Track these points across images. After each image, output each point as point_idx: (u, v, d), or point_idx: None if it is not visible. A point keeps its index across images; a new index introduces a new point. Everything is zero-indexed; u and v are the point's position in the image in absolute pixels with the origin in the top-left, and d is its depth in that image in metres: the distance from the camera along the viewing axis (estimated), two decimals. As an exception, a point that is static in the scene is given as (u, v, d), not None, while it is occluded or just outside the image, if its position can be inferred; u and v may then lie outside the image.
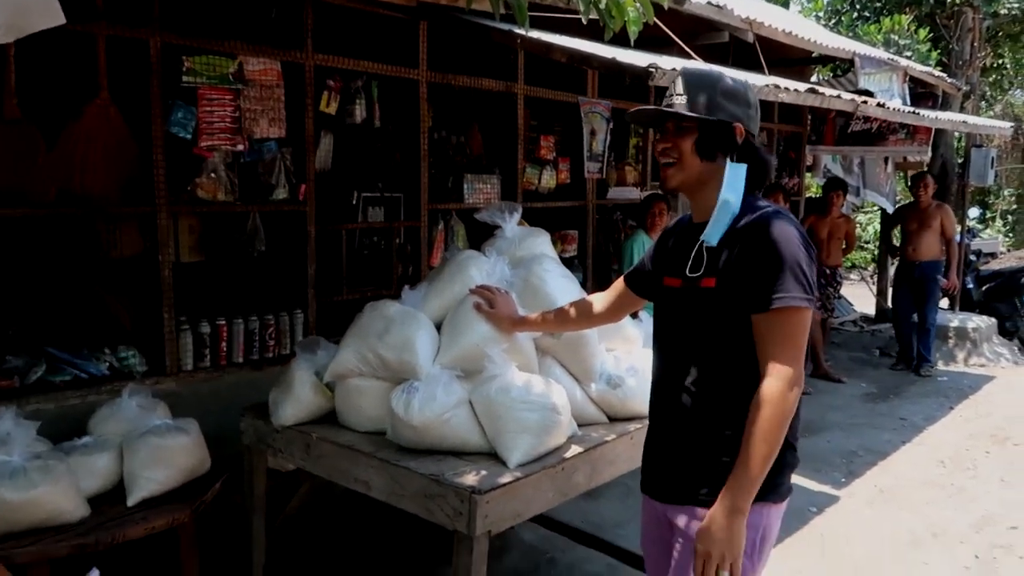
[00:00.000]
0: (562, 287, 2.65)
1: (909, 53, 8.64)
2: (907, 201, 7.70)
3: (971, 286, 8.58)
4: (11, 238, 3.33)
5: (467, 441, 2.31)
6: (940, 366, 7.38)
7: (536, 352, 2.54)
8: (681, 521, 1.86)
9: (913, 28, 9.12)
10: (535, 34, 3.45)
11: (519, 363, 2.41)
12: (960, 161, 9.41)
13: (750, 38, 4.93)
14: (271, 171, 3.89)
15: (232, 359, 3.72)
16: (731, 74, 1.92)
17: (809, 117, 8.00)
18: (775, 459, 1.78)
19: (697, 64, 1.99)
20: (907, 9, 9.92)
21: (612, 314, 2.30)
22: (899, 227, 7.36)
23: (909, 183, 7.68)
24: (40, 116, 3.16)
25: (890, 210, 8.78)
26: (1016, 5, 9.76)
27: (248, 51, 3.64)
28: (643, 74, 3.05)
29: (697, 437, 1.84)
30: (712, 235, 1.80)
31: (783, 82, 4.03)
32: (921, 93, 8.11)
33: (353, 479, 2.35)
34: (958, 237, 8.40)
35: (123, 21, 3.24)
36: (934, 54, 9.32)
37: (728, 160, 1.82)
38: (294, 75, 3.85)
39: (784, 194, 6.51)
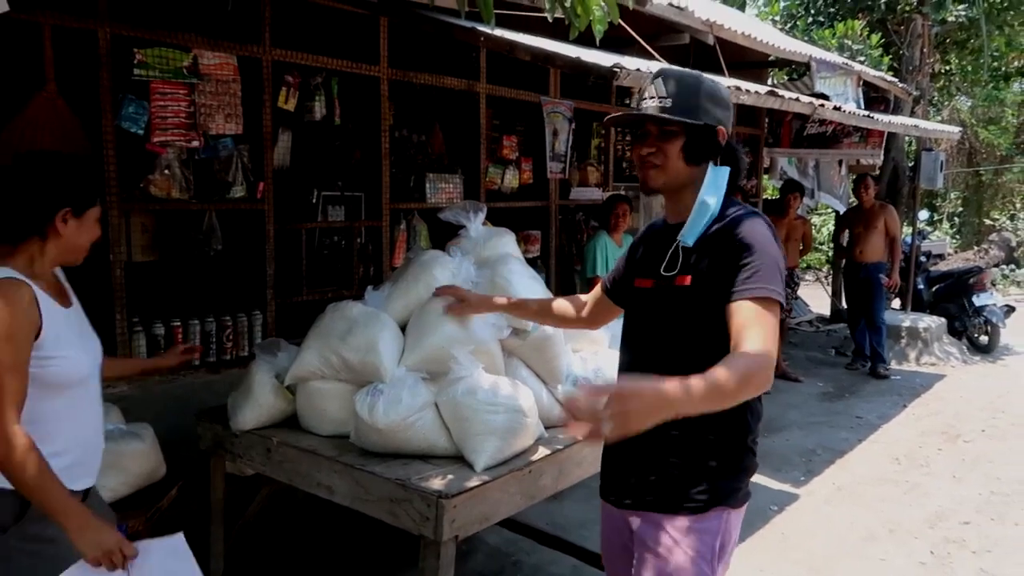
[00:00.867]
0: (528, 288, 2.63)
1: (862, 58, 8.83)
2: (855, 203, 7.86)
3: (922, 287, 8.80)
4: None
5: (433, 444, 2.27)
6: (893, 365, 7.54)
7: (503, 353, 2.51)
8: (639, 527, 1.84)
9: (866, 33, 9.32)
10: (499, 32, 3.41)
11: (485, 364, 2.37)
12: (911, 164, 9.65)
13: (711, 40, 4.98)
14: (228, 168, 3.78)
15: (188, 361, 3.61)
16: (709, 76, 1.91)
17: (766, 120, 8.12)
18: (735, 464, 1.79)
19: (670, 66, 1.97)
20: (860, 15, 10.14)
21: (590, 321, 2.26)
22: (847, 229, 7.51)
23: (853, 185, 7.85)
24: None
25: (843, 212, 8.98)
26: (963, 13, 10.05)
27: (203, 44, 3.53)
28: (608, 74, 3.04)
29: (657, 442, 1.77)
30: (689, 235, 1.79)
31: (745, 84, 4.07)
32: (874, 97, 8.29)
33: (316, 484, 2.29)
34: (909, 239, 8.63)
35: (70, 11, 3.12)
36: (886, 59, 9.53)
37: (711, 163, 1.81)
38: (251, 70, 3.76)
39: (743, 196, 6.59)
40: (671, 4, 4.74)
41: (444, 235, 4.68)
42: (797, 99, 4.53)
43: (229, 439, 2.53)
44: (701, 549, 1.78)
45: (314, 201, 4.33)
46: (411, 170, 4.88)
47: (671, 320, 1.81)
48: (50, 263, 1.88)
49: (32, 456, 1.71)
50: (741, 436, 1.80)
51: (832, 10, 10.60)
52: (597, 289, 2.22)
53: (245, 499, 3.01)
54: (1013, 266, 14.43)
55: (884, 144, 7.89)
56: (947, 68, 12.87)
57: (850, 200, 9.37)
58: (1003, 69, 13.00)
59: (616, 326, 2.93)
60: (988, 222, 16.98)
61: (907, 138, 10.09)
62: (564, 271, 5.94)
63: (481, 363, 2.35)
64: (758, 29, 6.40)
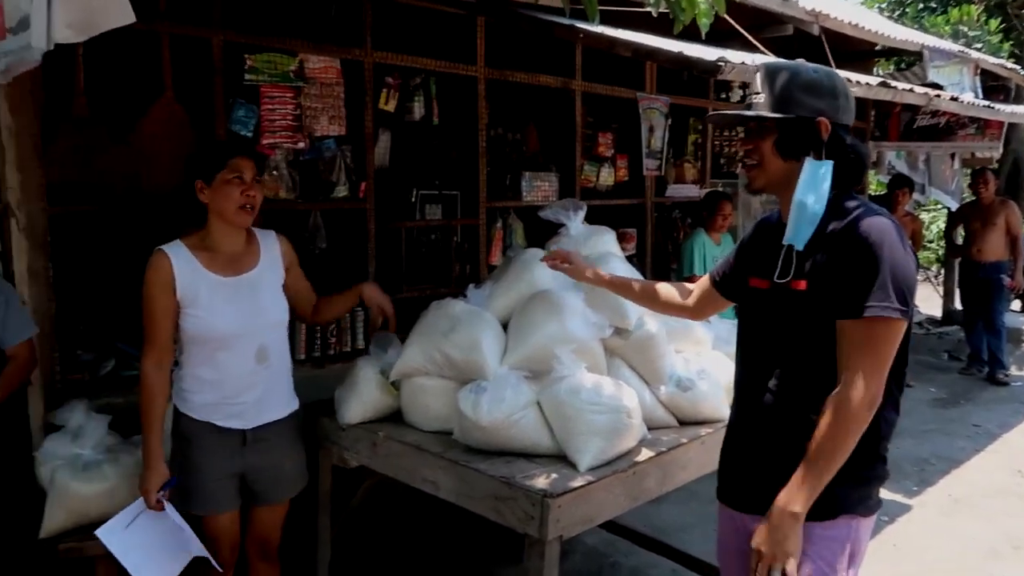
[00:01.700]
0: (630, 286, 2.58)
1: (979, 45, 8.31)
2: (969, 199, 7.40)
3: (1045, 287, 8.20)
4: (80, 234, 3.39)
5: (536, 443, 2.26)
6: (1013, 370, 7.07)
7: (605, 353, 2.47)
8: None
9: (983, 19, 8.76)
10: (598, 29, 3.37)
11: (588, 364, 2.34)
12: (1033, 157, 9.02)
13: (816, 31, 4.77)
14: (331, 169, 3.89)
15: (294, 356, 3.72)
16: (813, 66, 1.82)
17: (873, 112, 7.74)
18: (865, 472, 1.71)
19: (775, 59, 1.91)
20: (976, -1, 9.56)
21: (694, 311, 2.21)
22: (962, 226, 7.07)
23: (970, 180, 7.38)
24: (107, 114, 3.21)
25: (955, 208, 8.47)
26: (1093, -7, 9.33)
27: (309, 49, 3.64)
28: (712, 68, 2.96)
29: (780, 445, 1.75)
30: (795, 237, 1.72)
31: (855, 76, 3.88)
32: (992, 86, 7.78)
33: (420, 479, 2.32)
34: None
35: (186, 20, 3.27)
36: (1006, 45, 8.94)
37: (807, 158, 1.72)
38: (354, 73, 3.85)
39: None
40: (775, -6, 4.58)
41: (539, 233, 4.69)
42: (911, 90, 4.29)
43: (336, 432, 2.60)
44: (828, 557, 1.71)
45: (413, 200, 4.40)
46: (507, 168, 4.90)
47: (787, 325, 1.75)
48: (218, 234, 2.28)
49: (146, 392, 2.21)
50: (872, 443, 1.71)
51: (945, -6, 10.05)
52: (704, 281, 2.16)
53: (349, 489, 3.09)
54: None
55: (1004, 136, 7.39)
56: (1074, 53, 11.95)
57: (963, 195, 8.86)
58: None
59: (720, 326, 2.88)
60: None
61: (1029, 129, 9.42)
62: (660, 270, 5.83)
63: (583, 362, 2.32)
64: (865, 18, 6.10)
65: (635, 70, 5.41)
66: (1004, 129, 7.25)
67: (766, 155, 1.77)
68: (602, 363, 2.46)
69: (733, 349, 1.97)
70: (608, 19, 3.83)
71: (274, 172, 3.64)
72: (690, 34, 3.13)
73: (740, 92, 5.92)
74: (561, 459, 2.24)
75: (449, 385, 2.43)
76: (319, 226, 3.89)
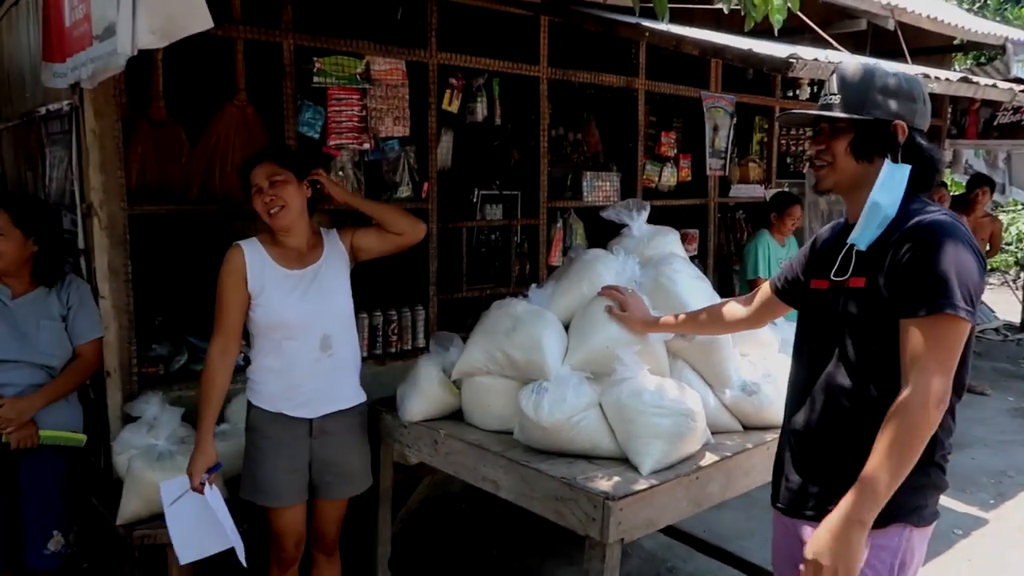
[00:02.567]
0: (694, 288, 2.56)
1: (1067, 37, 7.88)
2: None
3: None
4: (158, 233, 3.52)
5: (597, 445, 2.25)
6: (1099, 380, 6.71)
7: (668, 355, 2.44)
8: (808, 535, 1.73)
9: (1071, 10, 8.33)
10: (664, 27, 3.33)
11: (650, 366, 2.32)
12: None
13: (891, 25, 4.61)
14: (395, 169, 3.94)
15: (356, 353, 3.79)
16: (892, 67, 1.78)
17: (949, 109, 7.45)
18: (919, 479, 1.65)
19: (851, 56, 1.86)
20: (1064, -11, 9.09)
21: (754, 321, 2.20)
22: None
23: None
24: (183, 118, 3.32)
25: (1040, 209, 8.09)
26: None
27: (375, 51, 3.69)
28: (782, 66, 2.89)
29: (838, 448, 1.71)
30: (860, 238, 1.69)
31: (932, 71, 3.74)
32: (1082, 81, 7.39)
33: (481, 477, 2.33)
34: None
35: (259, 23, 3.36)
36: (1095, 38, 8.47)
37: (886, 161, 1.69)
38: (418, 74, 3.89)
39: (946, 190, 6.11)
40: (847, -12, 4.44)
41: (600, 233, 4.66)
42: (994, 85, 4.11)
43: (398, 429, 2.63)
44: (876, 565, 1.66)
45: (474, 200, 4.43)
46: (567, 168, 4.88)
47: (846, 325, 1.71)
48: (279, 234, 2.46)
49: (207, 375, 2.38)
50: (930, 450, 1.66)
51: (1030, -15, 9.58)
52: (765, 289, 2.13)
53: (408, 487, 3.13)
54: None
55: (1092, 133, 7.02)
56: None
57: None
58: None
59: (786, 329, 2.81)
60: None
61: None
62: (722, 271, 5.73)
63: (646, 364, 2.30)
64: (943, 10, 5.87)
65: (699, 68, 5.32)
66: (1093, 126, 6.89)
67: (839, 155, 1.74)
68: (665, 365, 2.43)
69: (799, 352, 1.92)
70: (674, 16, 3.79)
71: (340, 173, 3.71)
72: (757, 30, 3.08)
73: (809, 90, 5.77)
74: (623, 462, 2.23)
75: (510, 385, 2.44)
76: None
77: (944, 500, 4.26)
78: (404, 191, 3.94)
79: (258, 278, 2.38)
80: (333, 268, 2.50)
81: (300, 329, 2.40)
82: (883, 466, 1.56)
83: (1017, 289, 9.85)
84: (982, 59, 8.13)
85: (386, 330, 3.88)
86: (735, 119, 5.38)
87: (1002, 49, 6.10)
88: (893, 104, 1.70)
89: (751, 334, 2.65)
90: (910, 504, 1.67)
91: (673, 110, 5.53)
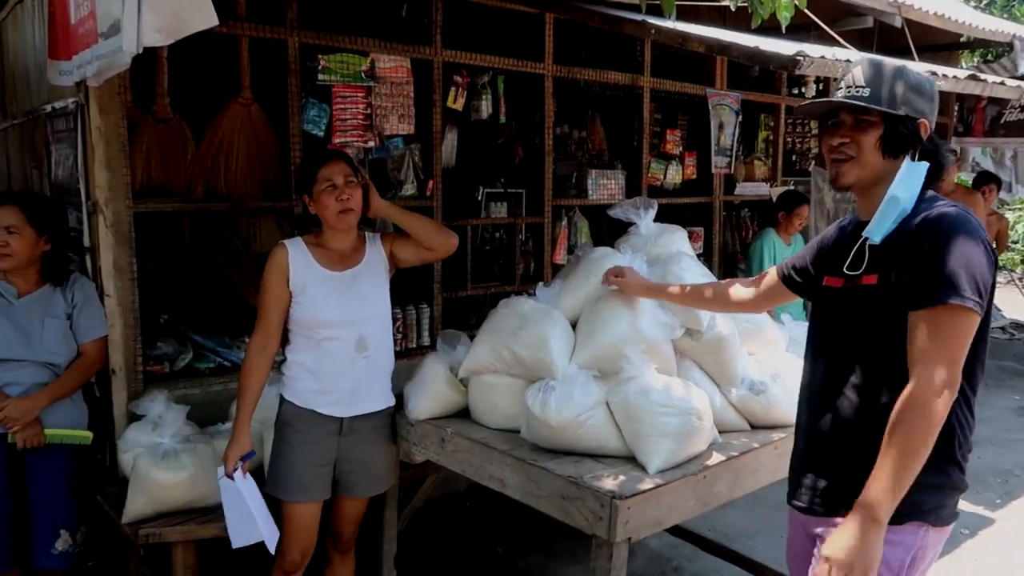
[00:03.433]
0: (701, 286, 2.53)
1: (1074, 35, 7.84)
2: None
3: None
4: (162, 231, 3.51)
5: (604, 444, 2.24)
6: (1106, 379, 6.69)
7: (675, 354, 2.43)
8: (824, 533, 1.73)
9: (1078, 7, 8.28)
10: (669, 24, 3.31)
11: (658, 365, 2.31)
12: None
13: (898, 22, 4.59)
14: (400, 167, 3.93)
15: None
16: (913, 66, 1.78)
17: (956, 106, 7.42)
18: (939, 478, 1.65)
19: (860, 54, 1.85)
20: (1071, -14, 9.04)
21: (755, 305, 2.22)
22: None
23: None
24: (188, 115, 3.31)
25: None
26: None
27: (380, 48, 3.69)
28: (789, 63, 2.87)
29: (853, 446, 1.70)
30: (875, 231, 1.68)
31: (940, 69, 3.72)
32: (1088, 78, 7.35)
33: (487, 476, 2.32)
34: None
35: (264, 21, 3.35)
36: (1102, 35, 8.42)
37: (907, 158, 1.69)
38: (422, 71, 3.88)
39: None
40: (854, -15, 4.42)
41: (605, 231, 4.65)
42: (1002, 83, 4.09)
43: (404, 427, 2.62)
44: (889, 560, 1.64)
45: (478, 198, 4.42)
46: (572, 166, 4.87)
47: (859, 322, 1.71)
48: (328, 235, 2.48)
49: (245, 369, 2.42)
50: (948, 447, 1.66)
51: (1037, -18, 9.53)
52: (772, 275, 2.14)
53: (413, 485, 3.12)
54: None
55: (1100, 131, 6.98)
56: None
57: (1054, 194, 8.41)
58: None
59: (794, 328, 2.80)
60: None
61: None
62: (727, 269, 5.71)
63: (653, 363, 2.29)
64: (950, 7, 5.84)
65: (704, 66, 5.30)
66: (1100, 124, 6.85)
67: (866, 150, 1.72)
68: (672, 364, 2.42)
69: (807, 351, 1.91)
70: (680, 14, 3.77)
71: (345, 170, 3.70)
72: (764, 27, 3.06)
73: (815, 87, 5.75)
74: (630, 460, 2.22)
75: (517, 383, 2.43)
76: (387, 224, 3.93)
77: (951, 499, 4.26)
78: (409, 189, 3.93)
79: (300, 277, 2.41)
80: (373, 272, 2.53)
81: (338, 329, 2.43)
82: (893, 462, 1.56)
83: (1023, 288, 9.81)
84: (989, 56, 8.10)
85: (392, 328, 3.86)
86: (740, 117, 5.36)
87: (1009, 46, 6.07)
88: (919, 102, 1.70)
89: (758, 332, 2.65)
90: (928, 504, 1.66)
91: (678, 108, 5.52)
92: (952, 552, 3.64)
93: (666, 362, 2.38)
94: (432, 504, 3.74)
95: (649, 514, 2.04)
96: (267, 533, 2.40)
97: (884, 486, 1.56)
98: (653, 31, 3.34)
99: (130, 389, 2.96)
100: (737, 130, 5.37)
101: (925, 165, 1.68)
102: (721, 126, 5.26)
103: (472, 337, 2.60)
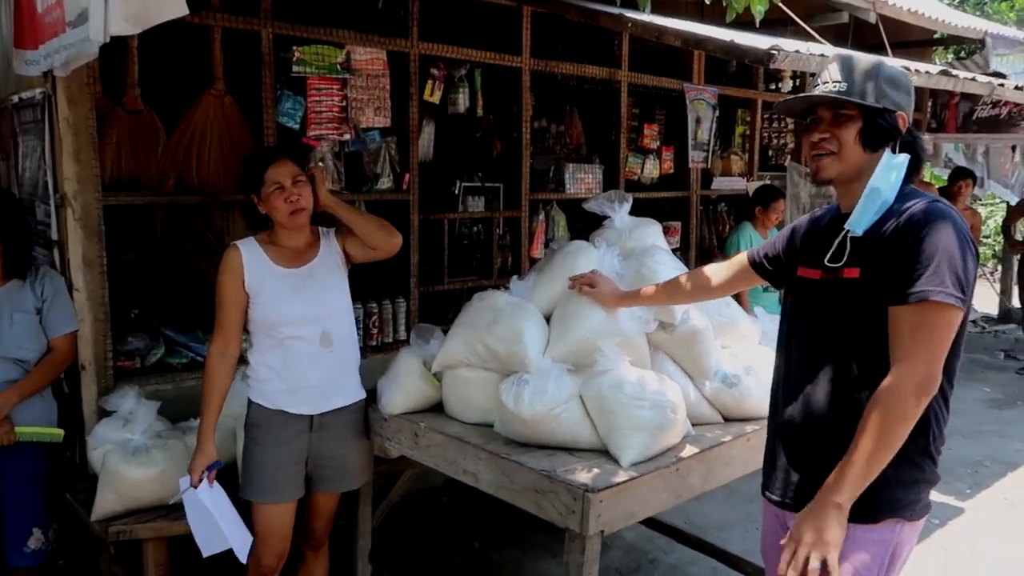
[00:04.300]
0: (675, 280, 2.54)
1: (1045, 32, 7.96)
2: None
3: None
4: (134, 224, 3.47)
5: (578, 437, 2.24)
6: (1074, 372, 6.81)
7: (649, 347, 2.44)
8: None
9: (1049, 5, 8.41)
10: (646, 17, 3.31)
11: (631, 358, 2.31)
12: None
13: (872, 18, 4.63)
14: (376, 160, 3.91)
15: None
16: (889, 60, 1.79)
17: (930, 102, 7.50)
18: (914, 473, 1.67)
19: (835, 49, 1.86)
20: (1042, -16, 9.18)
21: (724, 289, 2.24)
22: (1022, 221, 6.82)
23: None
24: (159, 107, 3.27)
25: (1015, 203, 8.17)
26: None
27: (356, 40, 3.65)
28: (764, 58, 2.88)
29: (827, 441, 1.71)
30: (857, 224, 1.68)
31: (913, 64, 3.76)
32: (1058, 75, 7.47)
33: (461, 470, 2.32)
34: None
35: (237, 12, 3.31)
36: (1073, 33, 8.56)
37: (887, 151, 1.69)
38: (399, 64, 3.86)
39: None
40: (829, -19, 4.46)
41: (582, 225, 4.66)
42: (973, 79, 4.14)
43: (378, 422, 2.61)
44: (868, 561, 1.67)
45: (455, 192, 4.40)
46: (550, 160, 4.87)
47: (838, 315, 1.71)
48: (281, 234, 2.44)
49: (207, 376, 2.38)
50: (923, 441, 1.67)
51: (1009, -20, 9.66)
52: (740, 259, 2.16)
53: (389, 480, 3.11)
54: None
55: (1069, 127, 7.09)
56: None
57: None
58: None
59: (767, 321, 2.82)
60: None
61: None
62: (704, 263, 5.73)
63: (627, 356, 2.29)
64: (924, 4, 5.90)
65: (682, 60, 5.33)
66: (1070, 120, 6.96)
67: (847, 144, 1.72)
68: (646, 358, 2.43)
69: (782, 344, 1.92)
70: (656, 7, 3.78)
71: (320, 163, 3.67)
72: (740, 21, 3.07)
73: (791, 83, 5.79)
74: (603, 454, 2.22)
75: (491, 377, 2.42)
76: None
77: (922, 490, 4.33)
78: (385, 182, 3.91)
79: (256, 277, 2.38)
80: (329, 267, 2.49)
81: (301, 326, 2.40)
82: (863, 454, 1.57)
83: (995, 282, 9.96)
84: (962, 53, 8.18)
85: (367, 323, 3.85)
86: (717, 112, 5.39)
87: (981, 43, 6.15)
88: (896, 95, 1.71)
89: (732, 326, 2.67)
90: (904, 499, 1.67)
91: (656, 102, 5.53)
92: (922, 542, 3.69)
93: (640, 355, 2.38)
94: (408, 499, 3.73)
95: (622, 507, 2.04)
96: (237, 541, 2.37)
97: (850, 474, 1.58)
98: (630, 24, 3.34)
99: (100, 385, 2.93)
100: (714, 125, 5.39)
101: (906, 157, 1.68)
102: (698, 121, 5.29)
103: (447, 331, 2.59)
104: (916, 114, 7.14)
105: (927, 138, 7.47)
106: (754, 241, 4.92)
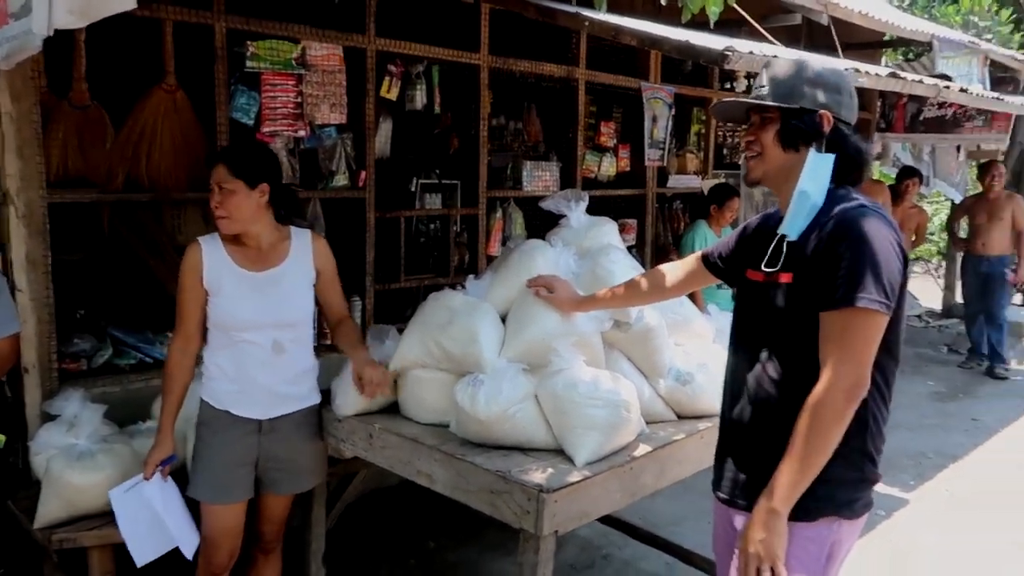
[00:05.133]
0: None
1: (990, 36, 8.23)
2: (975, 192, 7.37)
3: (1049, 282, 8.17)
4: (80, 222, 3.38)
5: (533, 437, 2.25)
6: (1014, 365, 7.06)
7: (604, 346, 2.46)
8: (743, 525, 1.78)
9: (995, 9, 8.67)
10: (603, 17, 3.34)
11: (586, 357, 2.33)
12: (1040, 151, 8.95)
13: (824, 20, 4.73)
14: (331, 157, 3.87)
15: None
16: (819, 60, 1.83)
17: (879, 103, 7.69)
18: (852, 472, 1.71)
19: (784, 49, 1.90)
20: (988, -11, 9.46)
21: (679, 289, 2.26)
22: (965, 219, 7.05)
23: (978, 172, 7.33)
24: (108, 102, 3.18)
25: (958, 201, 8.44)
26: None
27: (311, 36, 3.61)
28: (719, 58, 2.92)
29: (770, 441, 1.74)
30: (790, 228, 1.72)
31: (864, 66, 3.85)
32: (1000, 78, 7.70)
33: (416, 471, 2.31)
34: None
35: (189, 5, 3.24)
36: (1016, 36, 8.85)
37: (812, 151, 1.72)
38: (355, 60, 3.82)
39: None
40: (782, -17, 4.53)
41: (539, 223, 4.67)
42: (920, 81, 4.25)
43: (332, 423, 2.59)
44: (803, 558, 1.71)
45: (412, 189, 4.38)
46: (508, 158, 4.87)
47: (775, 318, 1.75)
48: (244, 233, 2.37)
49: (168, 372, 2.38)
50: (860, 440, 1.71)
51: (957, -15, 9.93)
52: (692, 260, 2.19)
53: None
54: None
55: (1011, 128, 7.33)
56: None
57: (967, 188, 8.81)
58: None
59: (721, 319, 2.86)
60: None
61: (1036, 122, 9.33)
62: (660, 261, 5.79)
63: (582, 355, 2.31)
64: (873, 6, 6.05)
65: (639, 59, 5.37)
66: (1012, 121, 7.20)
67: (767, 146, 1.77)
68: (601, 356, 2.44)
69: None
70: (613, 6, 3.80)
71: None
72: (696, 22, 3.11)
73: (746, 82, 5.88)
74: (558, 453, 2.23)
75: (447, 378, 2.42)
76: (318, 215, 3.87)
77: (869, 483, 4.44)
78: (340, 179, 3.88)
79: (215, 276, 2.35)
80: (294, 272, 2.44)
81: (253, 332, 2.36)
82: (798, 458, 1.62)
83: (939, 277, 10.27)
84: (910, 55, 8.42)
85: (320, 323, 3.80)
86: (673, 110, 5.45)
87: (928, 46, 6.32)
88: (819, 94, 1.73)
89: (686, 324, 2.70)
90: (842, 498, 1.71)
91: (613, 100, 5.57)
92: (867, 533, 3.80)
93: (595, 354, 2.40)
94: (364, 499, 3.70)
95: (576, 507, 2.06)
96: (184, 539, 2.35)
97: (787, 480, 1.62)
98: (587, 23, 3.35)
99: (44, 388, 2.85)
100: (670, 123, 5.45)
101: (831, 157, 1.70)
102: (655, 119, 5.34)
103: (402, 330, 2.58)
104: (865, 114, 7.33)
105: (876, 137, 7.69)
106: (709, 239, 4.99)
